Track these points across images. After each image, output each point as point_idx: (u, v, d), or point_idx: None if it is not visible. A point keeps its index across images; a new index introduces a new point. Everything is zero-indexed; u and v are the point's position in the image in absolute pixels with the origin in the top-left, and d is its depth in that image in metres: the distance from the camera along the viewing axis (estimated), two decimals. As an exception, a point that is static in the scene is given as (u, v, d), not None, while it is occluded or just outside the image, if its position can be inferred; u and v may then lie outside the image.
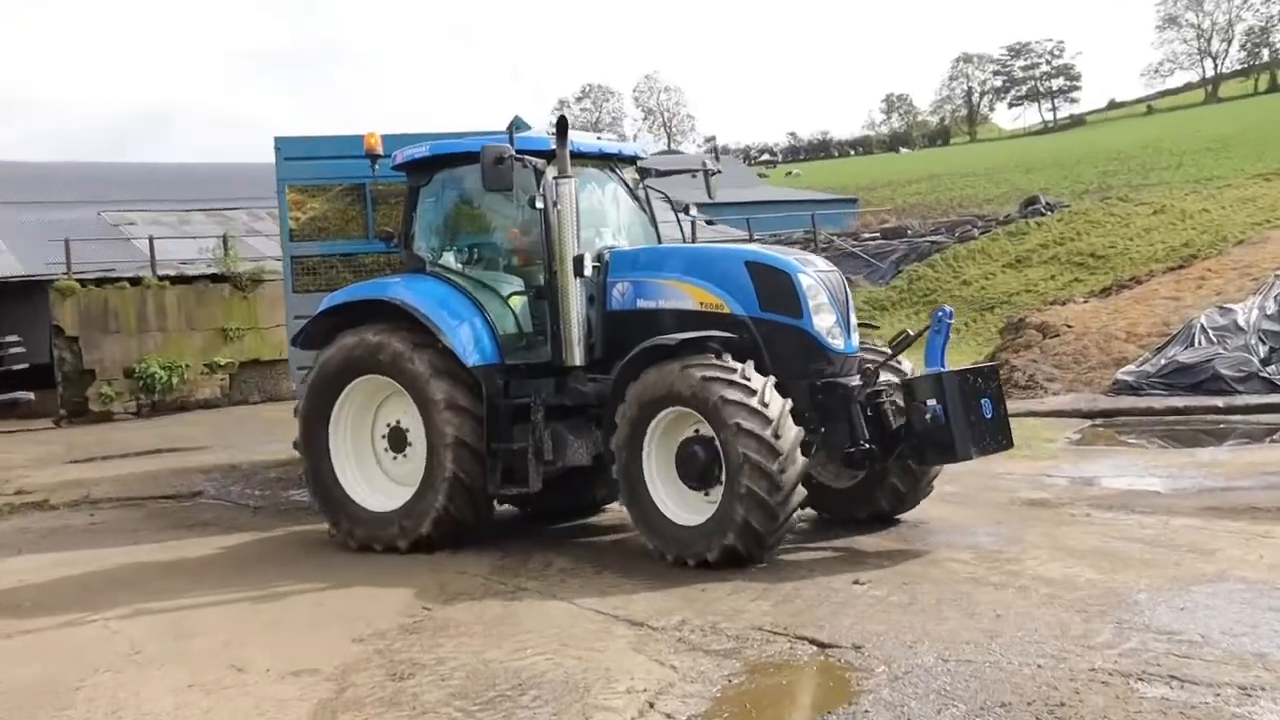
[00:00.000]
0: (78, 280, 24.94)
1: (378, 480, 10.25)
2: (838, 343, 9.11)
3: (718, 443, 8.44)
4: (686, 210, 11.02)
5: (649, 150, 11.02)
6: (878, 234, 38.71)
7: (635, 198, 10.63)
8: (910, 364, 9.64)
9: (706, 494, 8.70)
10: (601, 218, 10.37)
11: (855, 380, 9.06)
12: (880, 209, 54.16)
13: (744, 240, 13.74)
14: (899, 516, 9.82)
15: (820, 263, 9.42)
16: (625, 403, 8.83)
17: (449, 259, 10.28)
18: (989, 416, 8.84)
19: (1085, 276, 27.61)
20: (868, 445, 8.82)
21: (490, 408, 9.58)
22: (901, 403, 8.95)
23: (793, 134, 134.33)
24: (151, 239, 26.98)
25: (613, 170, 10.49)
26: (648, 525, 8.85)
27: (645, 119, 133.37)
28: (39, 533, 11.99)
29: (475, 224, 10.52)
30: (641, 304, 9.50)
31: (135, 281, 25.57)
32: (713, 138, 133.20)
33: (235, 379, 26.01)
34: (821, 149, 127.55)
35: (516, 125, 10.61)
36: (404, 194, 10.73)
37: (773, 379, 8.51)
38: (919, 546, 8.95)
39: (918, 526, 9.64)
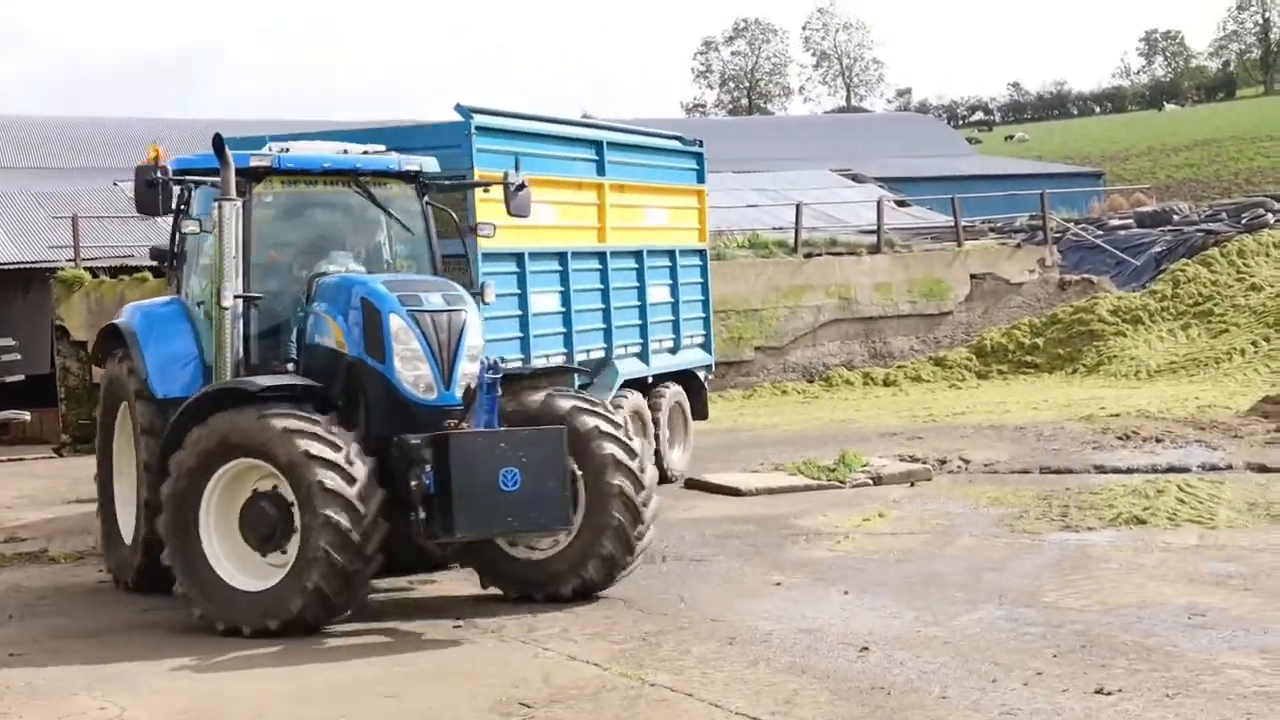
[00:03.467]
0: (87, 269, 25.87)
1: None
2: (424, 395, 10.60)
3: (293, 500, 10.01)
4: (474, 231, 12.50)
5: (422, 165, 12.32)
6: (1131, 220, 37.94)
7: (395, 218, 12.10)
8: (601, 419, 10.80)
9: (271, 556, 10.26)
10: (331, 241, 12.09)
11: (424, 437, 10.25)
12: (1135, 186, 53.13)
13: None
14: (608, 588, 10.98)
15: (436, 298, 10.87)
16: (184, 449, 10.34)
17: (193, 282, 12.17)
18: (511, 489, 9.94)
19: None
20: (420, 514, 10.05)
21: None
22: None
23: (1016, 85, 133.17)
24: (180, 218, 27.81)
25: (362, 187, 11.96)
26: (199, 588, 10.32)
27: (817, 66, 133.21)
28: (35, 593, 12.48)
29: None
30: (317, 339, 11.21)
31: (160, 272, 26.42)
32: (907, 91, 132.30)
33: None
34: (1055, 105, 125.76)
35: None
36: None
37: (355, 432, 10.28)
38: (1185, 645, 8.77)
39: (1178, 616, 9.43)
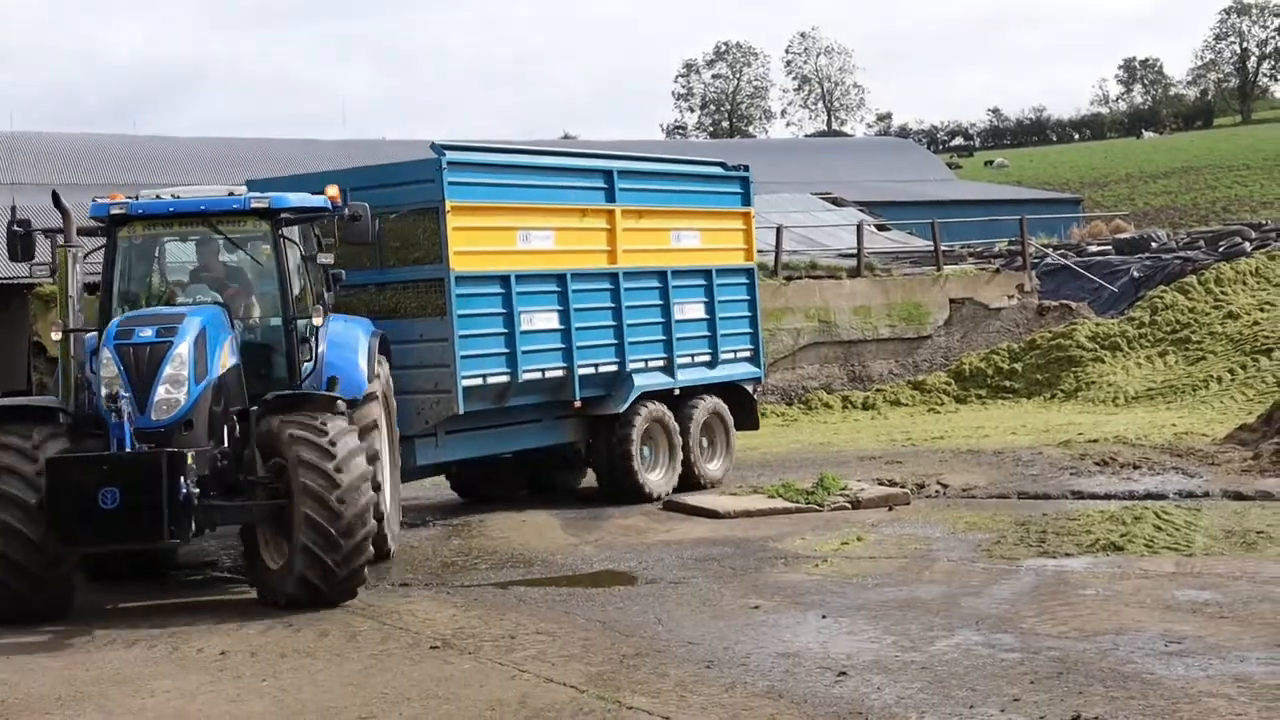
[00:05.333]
0: (66, 286, 25.77)
1: None
2: (124, 419, 11.50)
3: None
4: (314, 259, 13.77)
5: (273, 199, 13.38)
6: (1109, 246, 38.15)
7: (247, 253, 13.47)
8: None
9: None
10: (189, 277, 13.75)
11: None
12: (1114, 213, 53.39)
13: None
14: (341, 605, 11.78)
15: (149, 332, 12.01)
16: None
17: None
18: (110, 506, 11.00)
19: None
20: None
21: None
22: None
23: (996, 111, 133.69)
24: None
25: (213, 227, 13.32)
26: None
27: (798, 89, 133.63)
28: (10, 609, 12.39)
29: None
30: None
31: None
32: (888, 115, 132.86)
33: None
34: (1035, 131, 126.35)
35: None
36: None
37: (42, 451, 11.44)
38: (1161, 673, 8.79)
39: (1154, 643, 9.45)
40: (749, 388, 19.79)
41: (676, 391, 18.26)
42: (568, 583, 12.96)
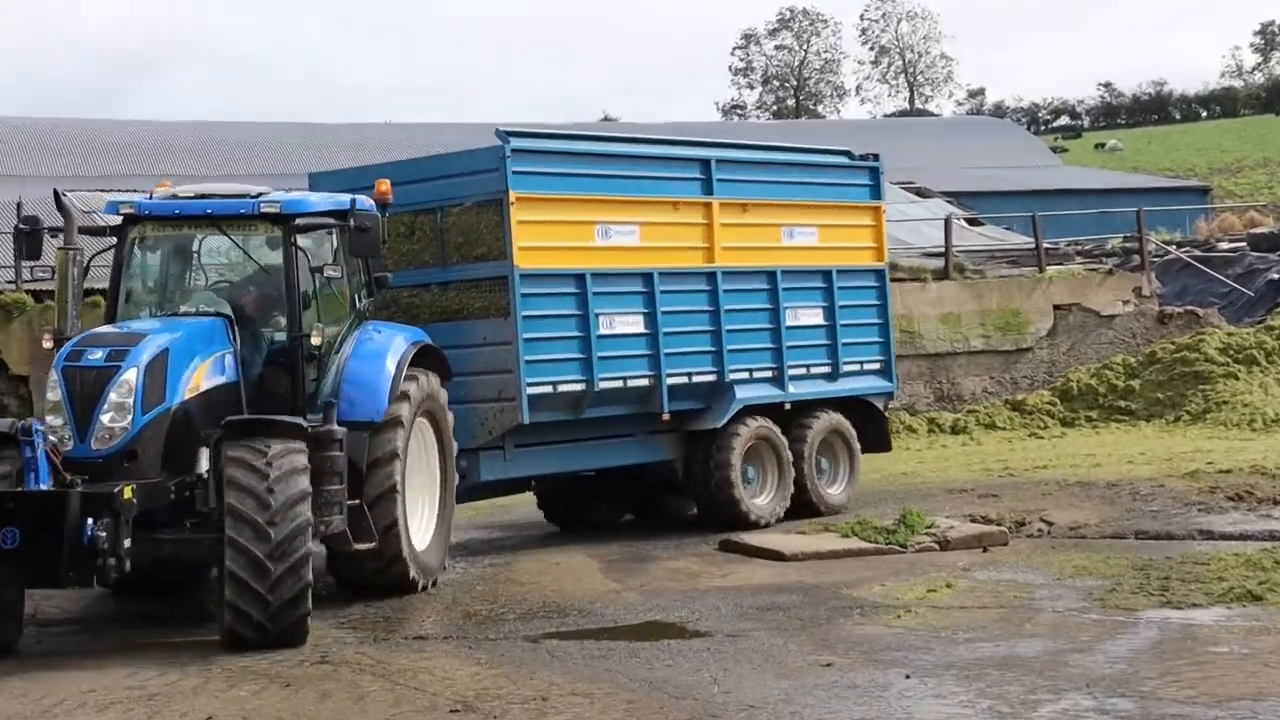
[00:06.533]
0: (29, 291, 25.94)
1: None
2: (63, 447, 12.20)
3: None
4: (321, 271, 14.33)
5: (280, 203, 14.06)
6: (1243, 242, 37.91)
7: (251, 258, 14.20)
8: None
9: None
10: (196, 281, 14.59)
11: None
12: (1249, 203, 53.03)
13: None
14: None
15: (99, 354, 12.54)
16: None
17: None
18: (10, 546, 11.50)
19: None
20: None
21: None
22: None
23: (1108, 86, 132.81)
24: (138, 232, 27.96)
25: (222, 230, 14.10)
26: None
27: (875, 62, 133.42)
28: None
29: None
30: None
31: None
32: (980, 91, 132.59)
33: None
34: (1155, 109, 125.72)
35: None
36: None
37: None
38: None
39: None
40: (878, 404, 20.09)
41: (787, 406, 18.74)
42: (608, 635, 12.98)
